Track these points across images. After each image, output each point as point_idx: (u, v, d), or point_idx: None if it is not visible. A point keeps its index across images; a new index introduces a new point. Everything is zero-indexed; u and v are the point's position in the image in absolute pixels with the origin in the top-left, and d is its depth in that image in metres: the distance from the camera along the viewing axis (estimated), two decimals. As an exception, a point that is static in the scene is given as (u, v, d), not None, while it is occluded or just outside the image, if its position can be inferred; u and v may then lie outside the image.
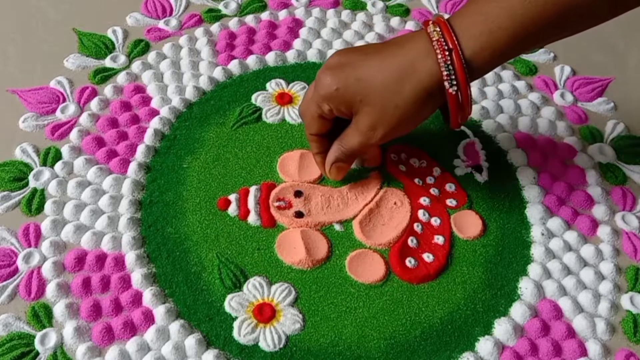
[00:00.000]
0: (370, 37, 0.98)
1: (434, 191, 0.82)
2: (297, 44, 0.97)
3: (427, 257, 0.76)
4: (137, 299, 0.72)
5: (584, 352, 0.71)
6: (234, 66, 0.93)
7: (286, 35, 0.98)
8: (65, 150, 0.82)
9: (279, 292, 0.73)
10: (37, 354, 0.68)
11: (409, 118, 0.71)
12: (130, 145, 0.83)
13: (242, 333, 0.70)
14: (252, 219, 0.78)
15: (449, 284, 0.75)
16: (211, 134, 0.86)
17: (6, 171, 0.80)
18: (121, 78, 0.91)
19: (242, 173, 0.82)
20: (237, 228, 0.78)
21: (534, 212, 0.81)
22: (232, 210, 0.79)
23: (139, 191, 0.80)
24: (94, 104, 0.87)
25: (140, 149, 0.83)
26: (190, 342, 0.68)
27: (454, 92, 0.67)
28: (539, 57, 0.98)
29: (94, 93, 0.89)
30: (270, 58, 0.95)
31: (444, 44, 0.67)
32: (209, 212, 0.79)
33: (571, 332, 0.72)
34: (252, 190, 0.80)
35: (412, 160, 0.84)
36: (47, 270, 0.73)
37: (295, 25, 1.00)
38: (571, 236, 0.79)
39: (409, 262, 0.75)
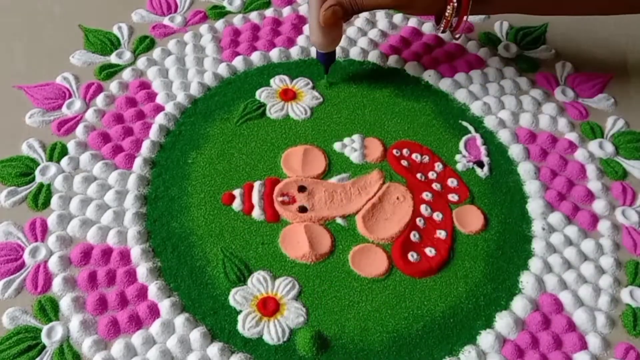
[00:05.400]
0: (373, 34, 0.99)
1: (436, 186, 0.82)
2: (301, 40, 0.98)
3: (430, 251, 0.77)
4: (142, 292, 0.72)
5: (584, 345, 0.71)
6: (238, 62, 0.94)
7: (290, 31, 0.99)
8: (71, 145, 0.83)
9: (282, 286, 0.74)
10: (44, 347, 0.68)
11: None
12: (136, 140, 0.84)
13: (246, 326, 0.70)
14: (256, 213, 0.79)
15: (451, 278, 0.76)
16: (216, 130, 0.86)
17: (13, 166, 0.81)
18: (126, 74, 0.91)
19: (246, 168, 0.83)
20: (242, 223, 0.78)
21: (534, 206, 0.81)
22: (237, 205, 0.79)
23: (144, 186, 0.81)
24: (99, 100, 0.88)
25: (146, 145, 0.84)
26: (195, 335, 0.69)
27: None
28: (540, 53, 0.98)
29: (100, 89, 0.90)
30: (274, 54, 0.95)
31: None
32: (213, 207, 0.79)
33: (571, 326, 0.73)
34: (256, 185, 0.81)
35: (414, 156, 0.85)
36: (53, 264, 0.74)
37: (299, 22, 1.00)
38: (572, 231, 0.79)
39: (412, 256, 0.76)
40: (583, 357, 0.70)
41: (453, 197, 0.82)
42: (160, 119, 0.86)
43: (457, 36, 0.86)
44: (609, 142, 0.88)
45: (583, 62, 0.98)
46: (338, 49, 0.95)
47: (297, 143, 0.85)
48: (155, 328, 0.70)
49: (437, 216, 0.80)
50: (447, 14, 0.82)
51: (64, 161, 0.82)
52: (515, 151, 0.86)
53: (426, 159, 0.85)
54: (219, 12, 1.00)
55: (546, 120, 0.89)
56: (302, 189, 0.81)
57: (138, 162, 0.82)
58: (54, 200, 0.78)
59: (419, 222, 0.79)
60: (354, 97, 0.91)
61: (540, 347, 0.71)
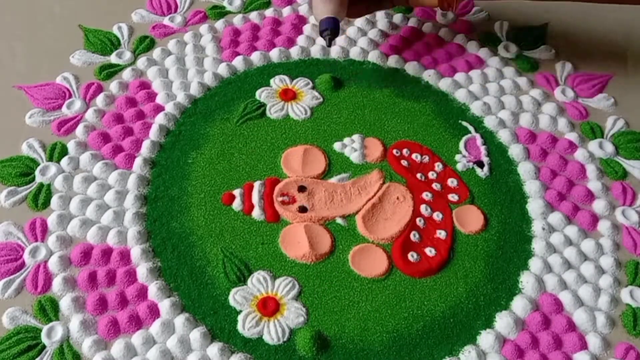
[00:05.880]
0: (373, 34, 0.99)
1: (436, 186, 0.82)
2: (300, 40, 0.98)
3: (430, 251, 0.77)
4: (142, 292, 0.72)
5: (584, 345, 0.71)
6: (238, 62, 0.94)
7: (290, 31, 0.99)
8: (71, 145, 0.83)
9: (282, 286, 0.74)
10: (44, 347, 0.68)
11: None
12: (136, 140, 0.84)
13: (246, 326, 0.70)
14: (256, 213, 0.79)
15: (451, 278, 0.76)
16: (216, 130, 0.86)
17: (13, 166, 0.81)
18: (126, 74, 0.91)
19: (246, 168, 0.83)
20: (242, 223, 0.78)
21: (534, 206, 0.81)
22: (237, 205, 0.79)
23: (144, 186, 0.81)
24: (99, 100, 0.88)
25: (146, 145, 0.84)
26: (195, 335, 0.69)
27: None
28: (540, 53, 0.98)
29: (100, 89, 0.89)
30: (274, 54, 0.95)
31: None
32: (213, 207, 0.79)
33: (571, 326, 0.73)
34: (256, 185, 0.81)
35: (414, 156, 0.85)
36: (53, 264, 0.74)
37: (299, 22, 1.00)
38: (572, 231, 0.79)
39: (412, 256, 0.76)
40: (583, 357, 0.70)
41: (453, 197, 0.82)
42: (160, 119, 0.86)
43: (455, 13, 0.86)
44: (609, 142, 0.88)
45: (583, 62, 0.98)
46: (338, 49, 0.95)
47: (297, 143, 0.85)
48: (155, 328, 0.70)
49: (437, 216, 0.80)
50: None
51: (64, 161, 0.82)
52: (515, 151, 0.86)
53: (426, 159, 0.85)
54: (219, 12, 1.00)
55: (546, 120, 0.89)
56: (302, 189, 0.81)
57: (138, 162, 0.82)
58: (54, 200, 0.78)
59: (419, 222, 0.79)
60: (354, 97, 0.91)
61: (540, 347, 0.71)
